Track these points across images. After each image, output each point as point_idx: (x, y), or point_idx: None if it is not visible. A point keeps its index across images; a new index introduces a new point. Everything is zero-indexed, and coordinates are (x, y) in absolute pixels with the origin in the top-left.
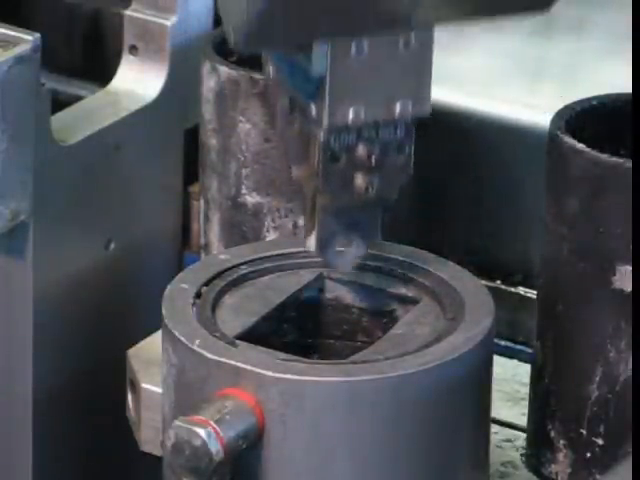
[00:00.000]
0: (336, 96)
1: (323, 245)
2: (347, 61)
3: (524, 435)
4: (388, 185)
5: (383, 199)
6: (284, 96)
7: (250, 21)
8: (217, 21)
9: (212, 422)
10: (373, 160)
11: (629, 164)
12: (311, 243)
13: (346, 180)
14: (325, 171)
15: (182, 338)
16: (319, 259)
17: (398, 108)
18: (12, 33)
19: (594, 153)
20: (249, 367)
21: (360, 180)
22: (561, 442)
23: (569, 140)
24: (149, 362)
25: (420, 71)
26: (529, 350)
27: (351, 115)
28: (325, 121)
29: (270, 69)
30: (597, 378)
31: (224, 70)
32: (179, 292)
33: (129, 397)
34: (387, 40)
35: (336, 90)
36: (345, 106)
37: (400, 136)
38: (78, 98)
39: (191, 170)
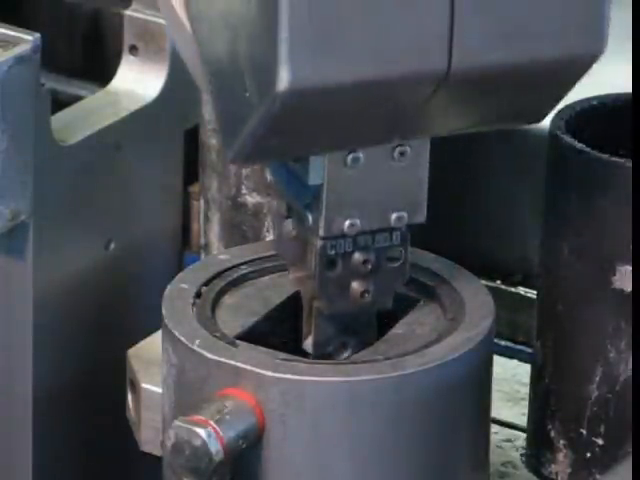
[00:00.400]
0: (333, 206)
1: (319, 348)
2: (343, 171)
3: (524, 435)
4: (384, 290)
5: (379, 304)
6: (280, 201)
7: (247, 138)
8: None
9: (212, 422)
10: (369, 266)
11: (629, 164)
12: (308, 345)
13: (342, 286)
14: (321, 277)
15: (182, 338)
16: None
17: (394, 217)
18: (12, 33)
19: (594, 153)
20: (249, 367)
21: (356, 286)
22: (561, 442)
23: (569, 140)
24: (149, 362)
25: (416, 180)
26: (529, 350)
27: (347, 224)
28: (322, 230)
29: (268, 176)
30: (597, 378)
31: None
32: (179, 292)
33: (129, 397)
34: (383, 150)
35: (332, 200)
36: (341, 216)
37: (395, 242)
38: (78, 98)
39: (191, 170)
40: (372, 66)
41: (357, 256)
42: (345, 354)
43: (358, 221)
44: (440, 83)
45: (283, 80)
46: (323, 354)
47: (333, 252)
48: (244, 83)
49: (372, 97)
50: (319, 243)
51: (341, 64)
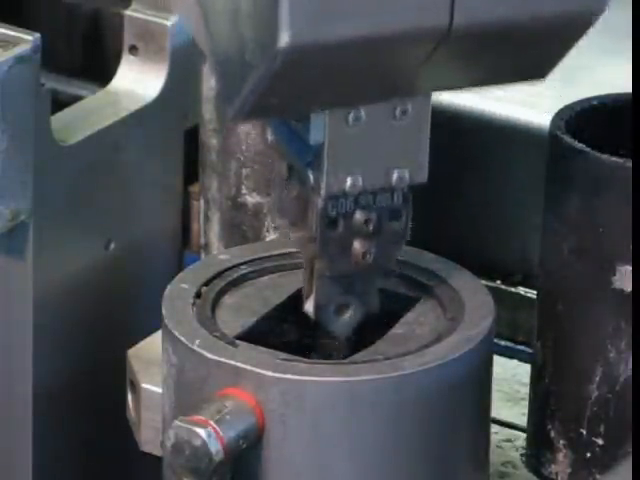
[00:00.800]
0: (334, 164)
1: (320, 309)
2: (345, 129)
3: (524, 435)
4: (386, 251)
5: (380, 266)
6: (281, 161)
7: (248, 95)
8: None
9: (212, 422)
10: (371, 226)
11: (629, 164)
12: (309, 307)
13: (344, 246)
14: (323, 238)
15: (182, 338)
16: None
17: (395, 176)
18: (12, 33)
19: (594, 153)
20: (249, 367)
21: (358, 246)
22: (561, 442)
23: (569, 140)
24: (149, 362)
25: (417, 139)
26: (529, 350)
27: (349, 183)
28: (323, 189)
29: (268, 135)
30: (597, 378)
31: None
32: (179, 292)
33: (129, 397)
34: (384, 108)
35: (334, 158)
36: (343, 174)
37: (397, 203)
38: (78, 98)
39: (191, 170)
40: (372, 23)
41: (359, 216)
42: (347, 315)
43: (360, 180)
44: (441, 40)
45: (284, 37)
46: (325, 355)
47: (334, 212)
48: (246, 43)
49: (372, 54)
50: (320, 203)
51: (341, 21)
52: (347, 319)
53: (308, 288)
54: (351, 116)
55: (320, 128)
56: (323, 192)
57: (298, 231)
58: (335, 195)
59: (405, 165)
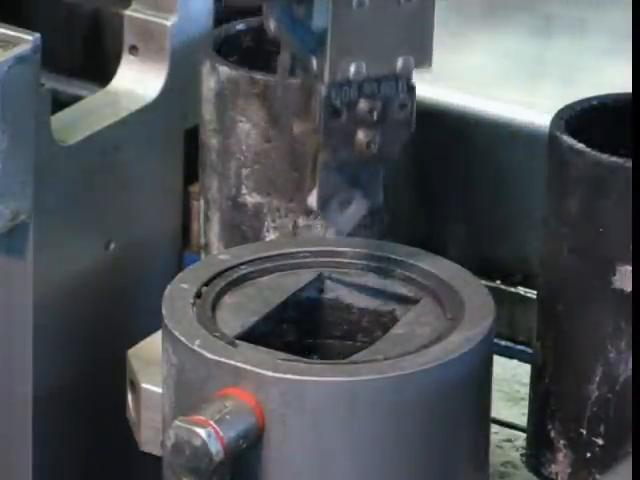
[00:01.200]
0: (337, 50)
1: (323, 202)
2: (349, 14)
3: (524, 435)
4: (390, 141)
5: (385, 156)
6: (285, 51)
7: None
8: (217, 21)
9: (212, 422)
10: (375, 115)
11: (629, 164)
12: (312, 200)
13: (347, 136)
14: (326, 127)
15: (182, 338)
16: (318, 259)
17: (400, 63)
18: (12, 33)
19: (594, 153)
20: (249, 367)
21: (362, 135)
22: (561, 442)
23: (569, 140)
24: (149, 362)
25: (422, 25)
26: (529, 350)
27: (352, 70)
28: (326, 75)
29: (271, 23)
30: (597, 378)
31: (224, 70)
32: (179, 292)
33: (129, 397)
34: None
35: (337, 44)
36: (347, 60)
37: (402, 91)
38: (78, 98)
39: (191, 170)
40: None
41: (363, 104)
42: (350, 210)
43: (363, 66)
44: None
45: None
46: (324, 355)
47: (338, 100)
48: None
49: None
50: (323, 90)
51: None
52: (350, 213)
53: (311, 182)
54: (355, 0)
55: (323, 13)
56: (326, 78)
57: (302, 123)
58: (339, 82)
59: (410, 52)
